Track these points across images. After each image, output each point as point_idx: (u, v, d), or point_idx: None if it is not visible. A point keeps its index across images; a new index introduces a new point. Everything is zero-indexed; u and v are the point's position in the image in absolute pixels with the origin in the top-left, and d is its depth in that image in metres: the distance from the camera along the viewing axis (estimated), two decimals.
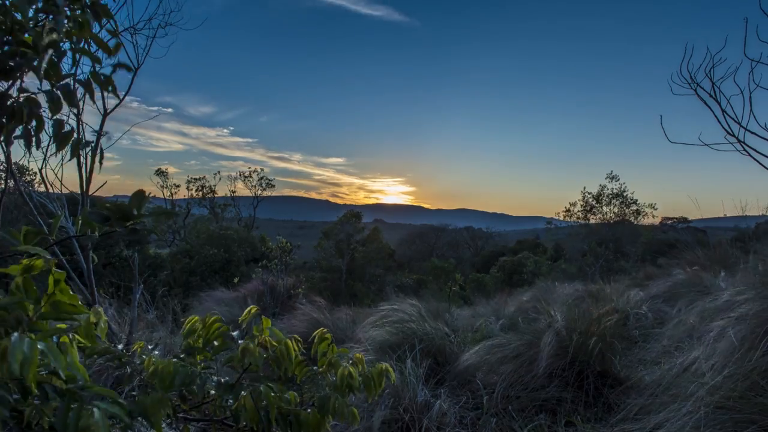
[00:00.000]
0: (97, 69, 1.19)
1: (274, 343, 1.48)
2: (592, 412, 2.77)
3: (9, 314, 0.86)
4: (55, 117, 1.17)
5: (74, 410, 0.87)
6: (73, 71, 1.17)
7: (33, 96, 1.16)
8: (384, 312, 4.22)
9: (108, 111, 2.83)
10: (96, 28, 1.16)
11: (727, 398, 2.14)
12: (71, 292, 1.08)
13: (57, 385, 0.92)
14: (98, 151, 1.33)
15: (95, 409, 0.86)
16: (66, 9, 1.04)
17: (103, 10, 1.14)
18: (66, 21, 1.03)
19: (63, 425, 0.85)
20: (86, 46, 1.18)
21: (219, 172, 29.61)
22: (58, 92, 1.13)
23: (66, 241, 1.63)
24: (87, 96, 1.25)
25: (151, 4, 3.50)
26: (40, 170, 2.60)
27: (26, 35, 1.06)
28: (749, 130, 2.85)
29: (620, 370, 3.04)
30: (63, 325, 1.14)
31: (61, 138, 1.18)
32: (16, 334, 0.79)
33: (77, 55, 1.16)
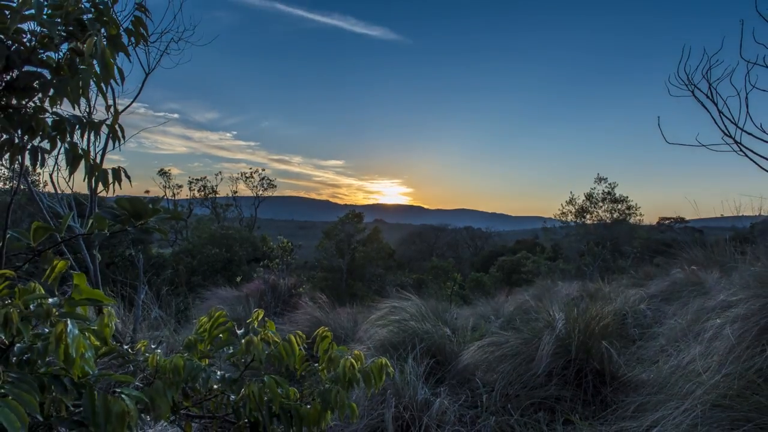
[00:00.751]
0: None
1: (277, 339, 1.52)
2: (591, 410, 2.79)
3: (39, 308, 0.91)
4: (68, 141, 1.23)
5: (100, 399, 0.91)
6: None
7: (45, 119, 1.21)
8: (385, 311, 4.25)
9: (119, 112, 2.93)
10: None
11: (723, 396, 2.16)
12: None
13: (78, 373, 0.96)
14: (103, 161, 1.37)
15: (125, 397, 0.90)
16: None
17: (120, 45, 1.19)
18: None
19: (91, 413, 0.88)
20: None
21: (221, 172, 29.72)
22: (73, 122, 1.20)
23: (71, 240, 1.66)
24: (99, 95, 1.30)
25: (165, 18, 3.58)
26: (51, 175, 2.68)
27: (46, 56, 1.11)
28: (746, 131, 2.88)
29: (618, 369, 3.06)
30: (83, 325, 1.19)
31: (73, 162, 1.23)
32: (69, 320, 0.84)
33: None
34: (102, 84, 1.22)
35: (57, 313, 1.01)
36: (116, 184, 1.36)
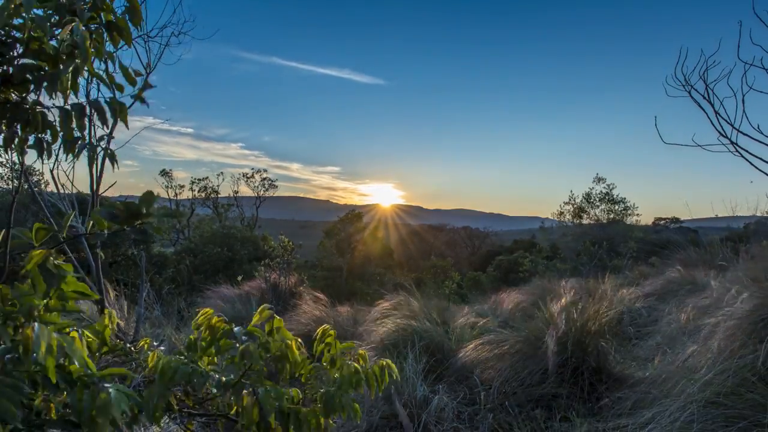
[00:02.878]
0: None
1: (278, 343, 1.52)
2: (587, 407, 2.82)
3: (22, 306, 0.90)
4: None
5: (88, 393, 0.91)
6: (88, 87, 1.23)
7: (44, 110, 1.22)
8: (384, 310, 4.28)
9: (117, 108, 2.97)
10: (110, 47, 1.21)
11: (718, 394, 2.19)
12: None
13: (72, 370, 0.96)
14: (107, 152, 1.36)
15: (111, 390, 0.89)
16: (83, 27, 1.09)
17: (118, 30, 1.19)
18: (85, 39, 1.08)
19: (78, 410, 0.88)
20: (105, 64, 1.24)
21: (222, 172, 29.86)
22: (72, 111, 1.19)
23: (73, 240, 1.68)
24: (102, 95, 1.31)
25: (165, 12, 3.61)
26: (51, 171, 2.69)
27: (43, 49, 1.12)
28: (742, 132, 2.91)
29: (615, 367, 3.09)
30: (72, 322, 1.19)
31: (70, 147, 1.23)
32: (37, 324, 0.82)
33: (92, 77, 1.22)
34: (95, 60, 1.21)
35: (42, 310, 0.99)
36: (123, 183, 1.35)
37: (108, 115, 1.27)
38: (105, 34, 1.20)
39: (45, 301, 1.03)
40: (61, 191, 3.10)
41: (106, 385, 0.98)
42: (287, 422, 1.40)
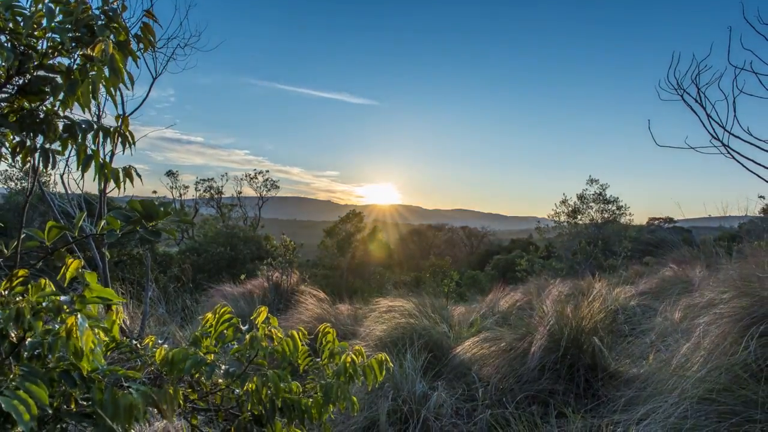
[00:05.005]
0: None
1: (280, 335, 1.59)
2: (583, 403, 2.87)
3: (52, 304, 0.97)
4: (78, 142, 1.29)
5: (108, 392, 0.96)
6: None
7: (56, 123, 1.28)
8: (384, 308, 4.34)
9: (127, 114, 3.07)
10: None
11: (711, 391, 2.24)
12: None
13: (83, 366, 1.01)
14: (110, 167, 1.42)
15: (134, 391, 0.96)
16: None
17: (129, 51, 1.25)
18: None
19: (99, 406, 0.93)
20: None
21: (226, 173, 30.41)
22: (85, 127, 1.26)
23: (82, 240, 1.74)
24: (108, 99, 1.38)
25: (172, 24, 3.73)
26: (62, 176, 2.78)
27: (57, 61, 1.19)
28: (733, 134, 2.96)
29: (610, 364, 3.14)
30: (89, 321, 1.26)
31: (85, 165, 1.28)
32: (80, 315, 0.89)
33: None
34: (111, 88, 1.27)
35: (68, 310, 1.03)
36: (127, 183, 1.40)
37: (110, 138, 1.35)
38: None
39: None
40: (69, 192, 3.19)
41: (126, 384, 1.03)
42: (291, 412, 1.47)
